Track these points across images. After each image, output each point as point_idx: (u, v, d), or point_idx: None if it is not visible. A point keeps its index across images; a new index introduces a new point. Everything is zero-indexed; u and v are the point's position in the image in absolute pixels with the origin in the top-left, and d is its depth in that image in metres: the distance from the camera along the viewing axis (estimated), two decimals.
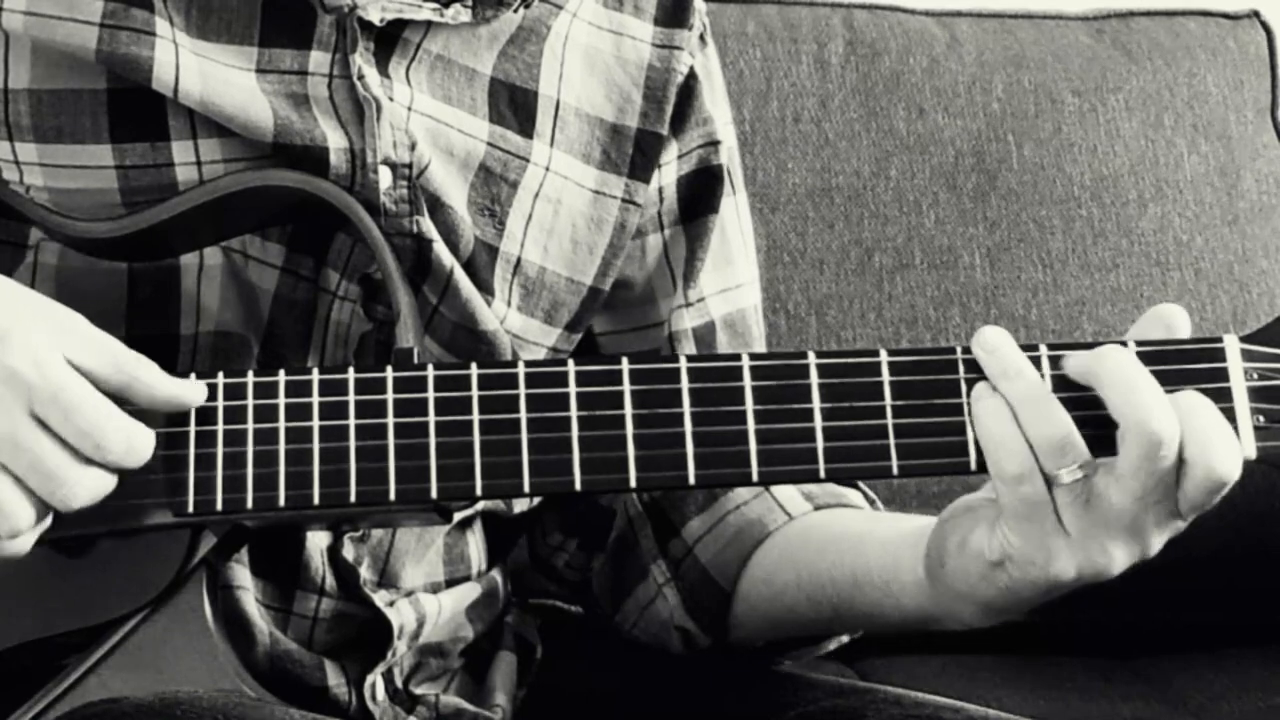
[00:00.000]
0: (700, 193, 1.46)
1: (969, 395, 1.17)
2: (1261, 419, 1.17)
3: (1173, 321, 1.19)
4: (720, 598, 1.41)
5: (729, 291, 1.47)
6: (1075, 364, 1.17)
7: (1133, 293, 2.04)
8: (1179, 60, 2.14)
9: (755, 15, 2.08)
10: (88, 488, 1.12)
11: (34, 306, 1.14)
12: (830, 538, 1.37)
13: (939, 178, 2.05)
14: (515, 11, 1.36)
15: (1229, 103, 2.14)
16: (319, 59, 1.29)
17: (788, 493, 1.42)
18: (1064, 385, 1.16)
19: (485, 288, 1.33)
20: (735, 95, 2.01)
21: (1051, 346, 1.18)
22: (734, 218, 1.48)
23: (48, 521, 1.14)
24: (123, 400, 1.14)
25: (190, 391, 1.17)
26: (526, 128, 1.36)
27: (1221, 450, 1.13)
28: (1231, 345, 1.18)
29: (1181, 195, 2.09)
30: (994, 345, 1.17)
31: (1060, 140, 2.08)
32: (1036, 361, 1.17)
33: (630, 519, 1.45)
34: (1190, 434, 1.13)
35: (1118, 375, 1.14)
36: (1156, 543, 1.17)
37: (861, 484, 1.46)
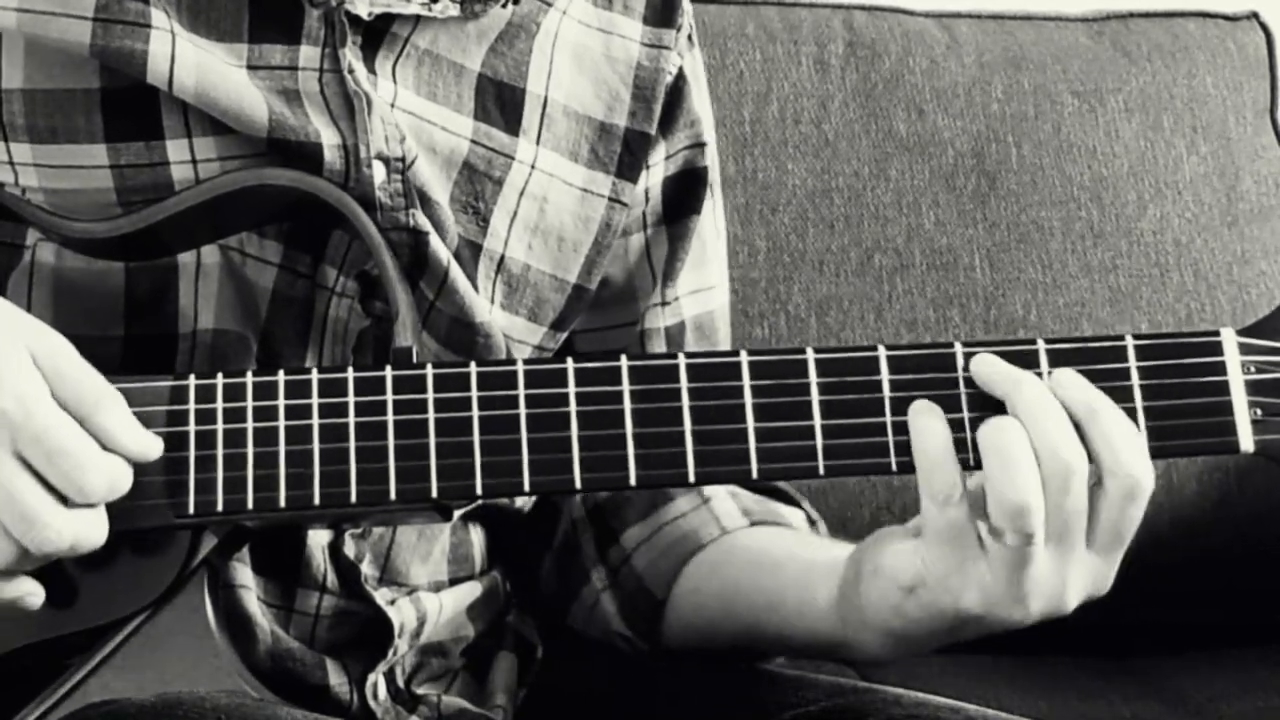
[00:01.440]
0: (684, 194, 1.46)
1: (965, 390, 1.17)
2: (1259, 412, 1.17)
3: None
4: (653, 606, 1.41)
5: (700, 293, 1.48)
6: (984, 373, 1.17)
7: (1132, 294, 2.04)
8: (1178, 62, 2.14)
9: (755, 16, 2.08)
10: (66, 531, 1.11)
11: (20, 335, 1.13)
12: (755, 556, 1.37)
13: (939, 179, 2.05)
14: (504, 8, 1.36)
15: (1228, 104, 2.14)
16: (308, 54, 1.29)
17: (726, 507, 1.42)
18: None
19: (471, 285, 1.33)
20: (735, 96, 2.02)
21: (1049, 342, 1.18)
22: (710, 219, 1.49)
23: (36, 592, 1.14)
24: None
25: (142, 446, 1.15)
26: (513, 125, 1.37)
27: (1129, 451, 1.14)
28: (1229, 339, 1.18)
29: (1181, 196, 2.09)
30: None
31: (1060, 141, 2.08)
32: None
33: (574, 522, 1.46)
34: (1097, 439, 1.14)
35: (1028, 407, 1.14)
36: (1073, 598, 1.16)
37: (805, 504, 1.46)
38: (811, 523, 1.46)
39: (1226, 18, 2.19)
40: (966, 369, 1.18)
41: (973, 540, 1.15)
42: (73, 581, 1.20)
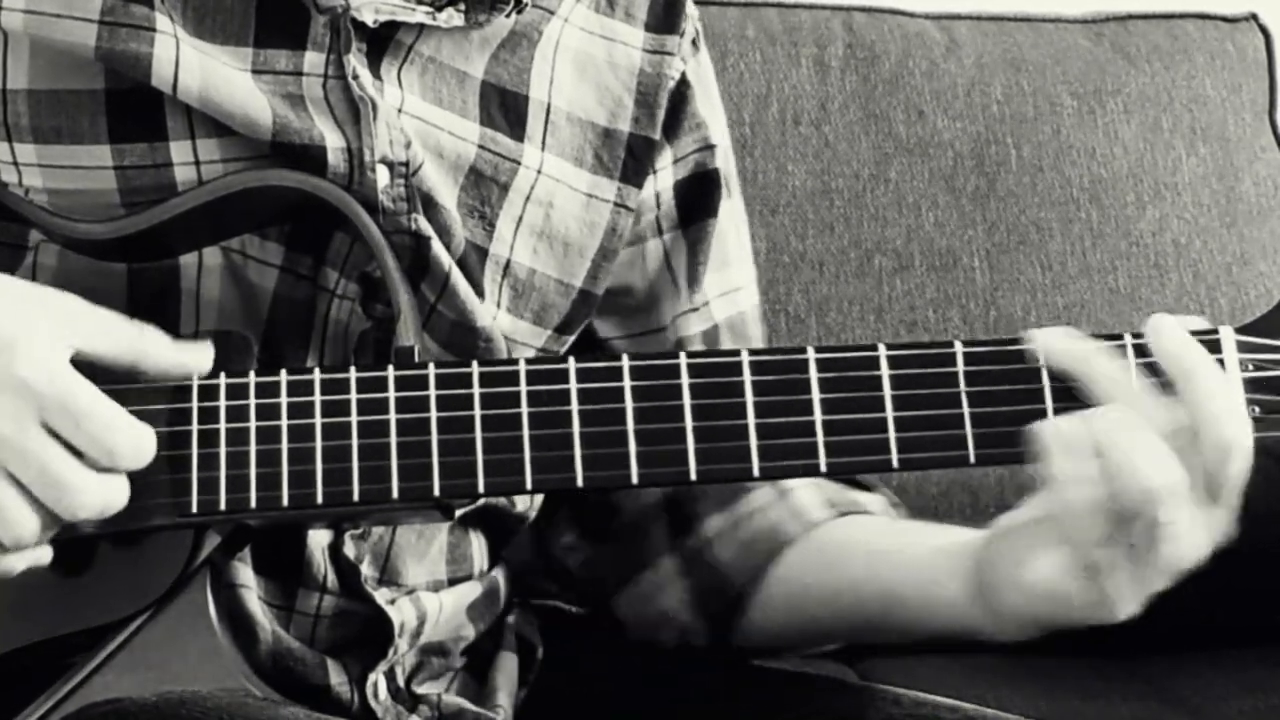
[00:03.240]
0: (698, 198, 1.46)
1: (966, 387, 1.17)
2: (1257, 409, 1.18)
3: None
4: (732, 599, 1.41)
5: (728, 295, 1.48)
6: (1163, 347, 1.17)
7: (1131, 295, 2.05)
8: (1177, 63, 2.15)
9: (755, 18, 2.08)
10: (95, 495, 1.12)
11: (35, 305, 1.15)
12: (862, 551, 1.36)
13: (938, 180, 2.06)
14: (507, 16, 1.36)
15: (1227, 105, 2.14)
16: (313, 59, 1.29)
17: (809, 498, 1.41)
18: None
19: (476, 289, 1.34)
20: (735, 98, 2.02)
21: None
22: (730, 221, 1.49)
23: (46, 552, 1.14)
24: (133, 377, 1.15)
25: (197, 357, 1.18)
26: (517, 131, 1.37)
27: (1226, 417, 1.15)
28: (1227, 336, 1.19)
29: (1180, 198, 2.10)
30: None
31: (1059, 143, 2.08)
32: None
33: (643, 508, 1.44)
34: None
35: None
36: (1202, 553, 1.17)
37: (884, 489, 1.45)
38: (893, 505, 1.45)
39: (1225, 19, 2.20)
40: (966, 366, 1.18)
41: (1108, 536, 1.14)
42: (75, 581, 1.20)
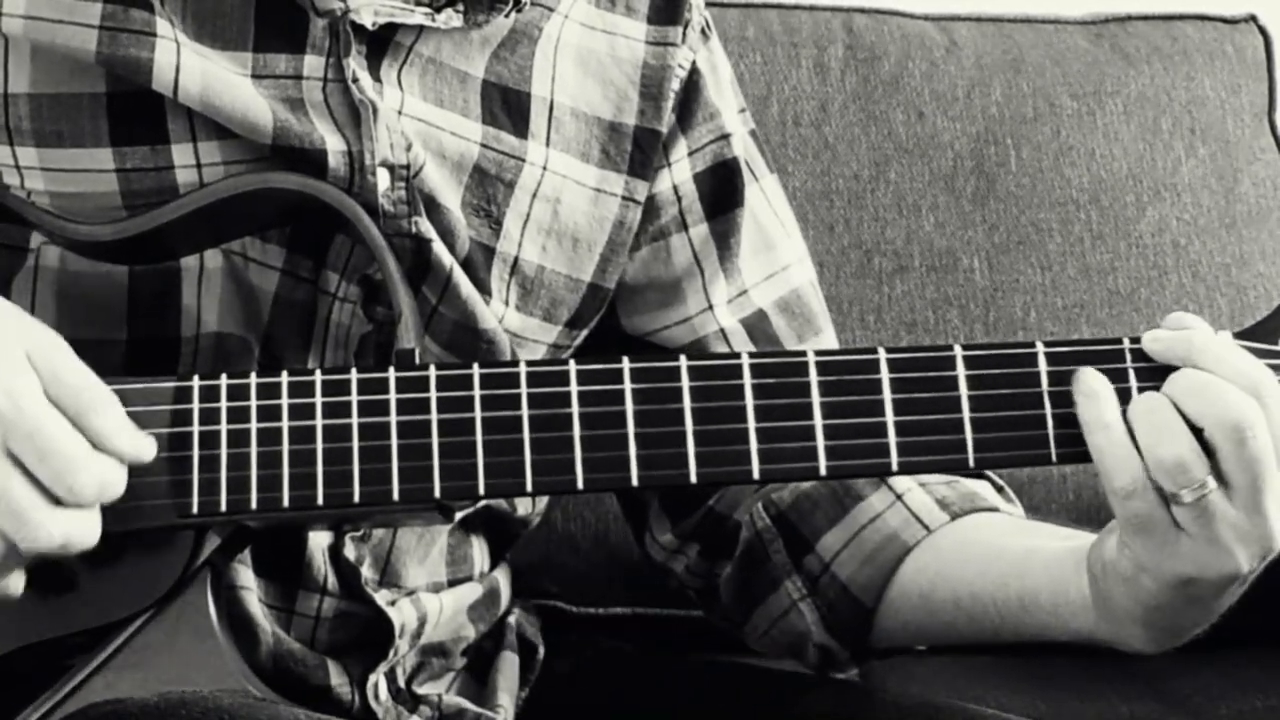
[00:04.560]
0: (722, 190, 1.45)
1: (967, 390, 1.18)
2: None
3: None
4: (862, 615, 1.38)
5: (775, 276, 1.47)
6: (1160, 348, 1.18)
7: (1130, 296, 2.05)
8: (1177, 64, 2.15)
9: (755, 19, 2.08)
10: (56, 530, 1.10)
11: (17, 334, 1.13)
12: (989, 555, 1.34)
13: (938, 181, 2.06)
14: (506, 16, 1.37)
15: (1226, 106, 2.14)
16: (313, 63, 1.29)
17: (923, 501, 1.38)
18: None
19: (482, 288, 1.34)
20: None
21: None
22: (764, 204, 1.48)
23: (16, 581, 1.13)
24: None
25: (136, 449, 1.15)
26: (521, 129, 1.37)
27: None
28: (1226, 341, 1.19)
29: (1179, 199, 2.10)
30: (1091, 389, 1.17)
31: (1059, 144, 2.08)
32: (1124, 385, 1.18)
33: (758, 531, 1.42)
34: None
35: (1180, 382, 1.15)
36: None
37: (992, 474, 1.43)
38: (999, 489, 1.42)
39: (1225, 20, 2.20)
40: (966, 369, 1.18)
41: (1164, 517, 1.14)
42: (76, 582, 1.20)
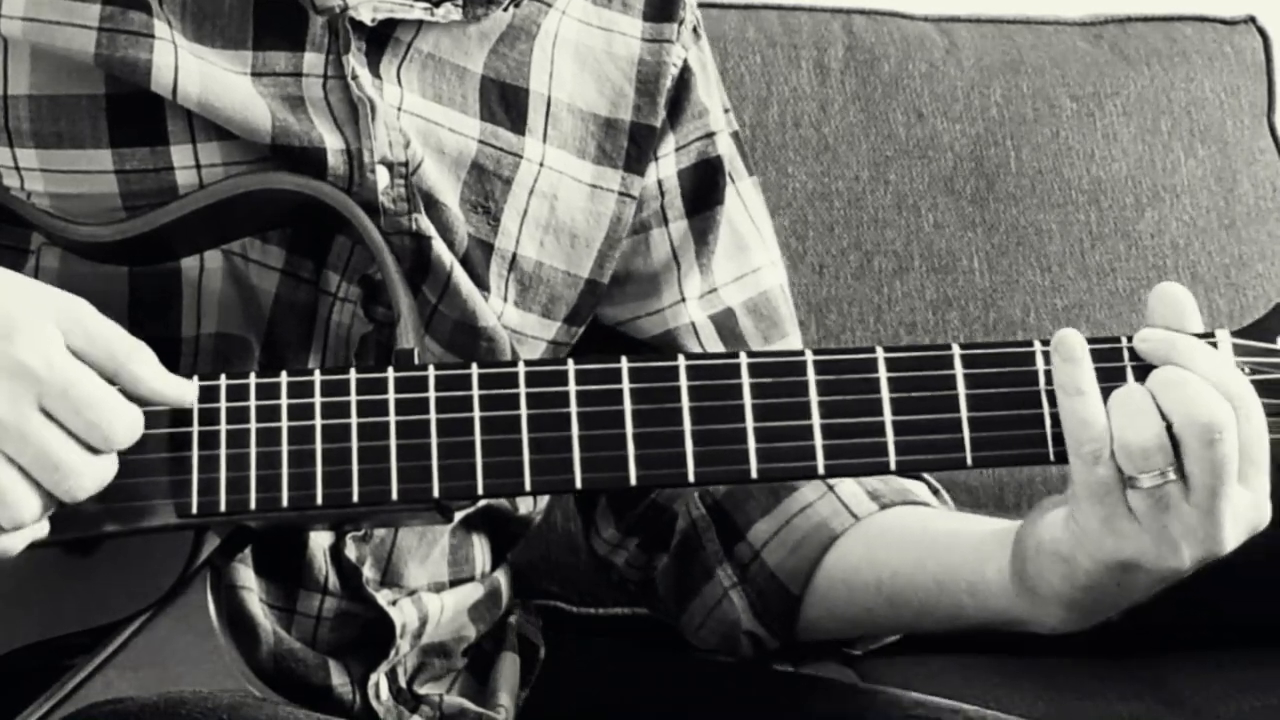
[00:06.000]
0: (703, 186, 1.46)
1: (965, 389, 1.18)
2: None
3: (1180, 302, 1.20)
4: (789, 601, 1.40)
5: (745, 277, 1.47)
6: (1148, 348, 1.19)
7: (1130, 296, 2.05)
8: (1176, 65, 2.15)
9: (755, 20, 2.09)
10: (94, 477, 1.14)
11: (39, 296, 1.15)
12: (911, 539, 1.35)
13: (938, 182, 2.06)
14: (505, 10, 1.37)
15: (1226, 107, 2.15)
16: (312, 60, 1.29)
17: (852, 490, 1.40)
18: None
19: (481, 284, 1.34)
20: (735, 100, 2.02)
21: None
22: (740, 206, 1.48)
23: (44, 527, 1.15)
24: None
25: (179, 391, 1.18)
26: (519, 125, 1.37)
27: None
28: (1224, 340, 1.19)
29: (1178, 199, 2.10)
30: (1071, 353, 1.18)
31: (1058, 145, 2.08)
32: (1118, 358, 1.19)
33: (693, 520, 1.44)
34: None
35: (1160, 377, 1.16)
36: (1231, 538, 1.17)
37: (927, 475, 1.44)
38: (934, 491, 1.44)
39: (1224, 22, 2.20)
40: (964, 369, 1.19)
41: (1119, 496, 1.15)
42: (76, 582, 1.20)
